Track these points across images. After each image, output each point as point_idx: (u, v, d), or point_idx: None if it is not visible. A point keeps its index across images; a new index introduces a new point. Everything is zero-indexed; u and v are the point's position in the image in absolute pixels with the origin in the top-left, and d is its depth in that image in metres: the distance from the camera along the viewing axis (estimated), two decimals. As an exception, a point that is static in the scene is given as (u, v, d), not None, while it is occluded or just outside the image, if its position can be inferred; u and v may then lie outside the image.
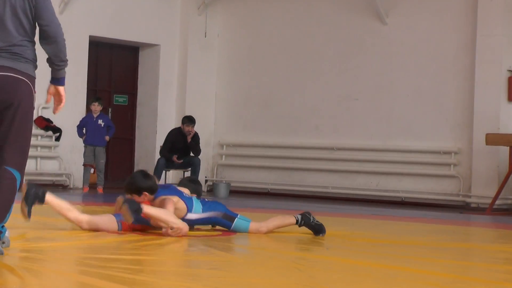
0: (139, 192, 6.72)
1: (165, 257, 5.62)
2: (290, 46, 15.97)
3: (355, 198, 14.90)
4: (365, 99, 15.07)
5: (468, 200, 13.92)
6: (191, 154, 14.50)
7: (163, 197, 6.75)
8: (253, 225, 6.93)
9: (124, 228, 6.73)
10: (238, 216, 6.98)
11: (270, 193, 15.84)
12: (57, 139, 15.03)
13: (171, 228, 6.49)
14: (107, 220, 6.77)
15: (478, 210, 13.44)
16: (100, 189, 13.99)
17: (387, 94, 14.83)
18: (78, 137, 14.35)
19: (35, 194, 6.25)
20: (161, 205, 6.68)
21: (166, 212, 6.58)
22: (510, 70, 13.64)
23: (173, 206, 6.70)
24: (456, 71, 14.15)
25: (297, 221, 6.95)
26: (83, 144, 14.31)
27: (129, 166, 16.62)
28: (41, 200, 6.37)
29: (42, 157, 15.01)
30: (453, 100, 14.18)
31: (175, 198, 6.80)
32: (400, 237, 7.73)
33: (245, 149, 16.48)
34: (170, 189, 7.01)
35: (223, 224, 6.95)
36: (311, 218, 7.04)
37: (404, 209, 13.20)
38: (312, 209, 11.83)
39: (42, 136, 14.96)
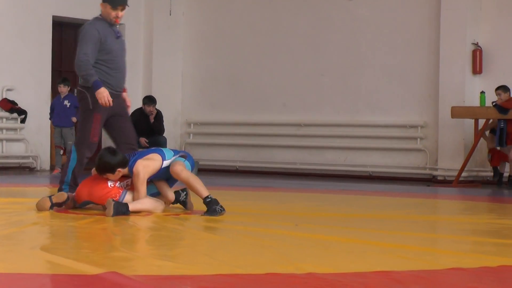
0: (113, 170, 6.71)
1: (138, 236, 5.63)
2: (256, 24, 15.95)
3: (324, 173, 14.97)
4: (332, 75, 15.11)
5: (434, 173, 14.05)
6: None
7: (135, 169, 6.72)
8: (179, 161, 6.84)
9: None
10: (184, 160, 6.90)
11: (239, 171, 15.87)
12: (23, 121, 14.93)
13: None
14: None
15: (445, 182, 13.57)
16: (69, 171, 13.92)
17: (354, 69, 14.88)
18: (49, 119, 14.36)
19: None
20: (135, 182, 6.69)
21: (147, 201, 6.69)
22: (474, 44, 13.74)
23: (148, 175, 6.73)
24: (421, 45, 14.23)
25: (207, 197, 6.71)
26: (54, 126, 14.28)
27: (96, 146, 16.52)
28: None
29: (7, 140, 14.90)
30: (418, 74, 14.27)
31: (147, 158, 6.80)
32: (368, 212, 7.79)
33: (212, 127, 16.48)
34: (139, 153, 6.99)
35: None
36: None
37: (372, 183, 13.29)
38: (280, 185, 11.91)
39: (7, 118, 14.84)
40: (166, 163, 6.87)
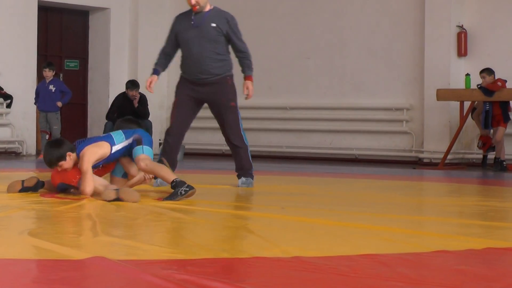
0: (63, 157, 6.69)
1: (122, 220, 5.63)
2: (241, 6, 15.91)
3: (309, 157, 14.99)
4: (317, 57, 15.11)
5: (420, 155, 14.09)
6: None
7: (82, 152, 6.68)
8: (141, 157, 6.74)
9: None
10: (143, 147, 6.80)
11: (225, 154, 15.87)
12: (8, 106, 14.88)
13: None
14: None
15: (431, 165, 13.62)
16: (55, 155, 13.88)
17: (339, 52, 14.89)
18: (34, 104, 14.29)
19: None
20: (80, 164, 6.65)
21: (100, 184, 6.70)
22: (459, 26, 13.76)
23: (94, 158, 6.69)
24: (406, 27, 14.24)
25: (172, 181, 6.64)
26: (39, 111, 14.23)
27: (82, 131, 16.52)
28: None
29: (-7, 125, 14.88)
30: (404, 56, 14.29)
31: (96, 145, 6.77)
32: (354, 194, 7.81)
33: (198, 111, 16.43)
34: (88, 140, 6.95)
35: (132, 146, 6.85)
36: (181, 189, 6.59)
37: (358, 166, 13.32)
38: (266, 169, 11.92)
39: (-7, 103, 14.81)
40: (115, 148, 6.82)
